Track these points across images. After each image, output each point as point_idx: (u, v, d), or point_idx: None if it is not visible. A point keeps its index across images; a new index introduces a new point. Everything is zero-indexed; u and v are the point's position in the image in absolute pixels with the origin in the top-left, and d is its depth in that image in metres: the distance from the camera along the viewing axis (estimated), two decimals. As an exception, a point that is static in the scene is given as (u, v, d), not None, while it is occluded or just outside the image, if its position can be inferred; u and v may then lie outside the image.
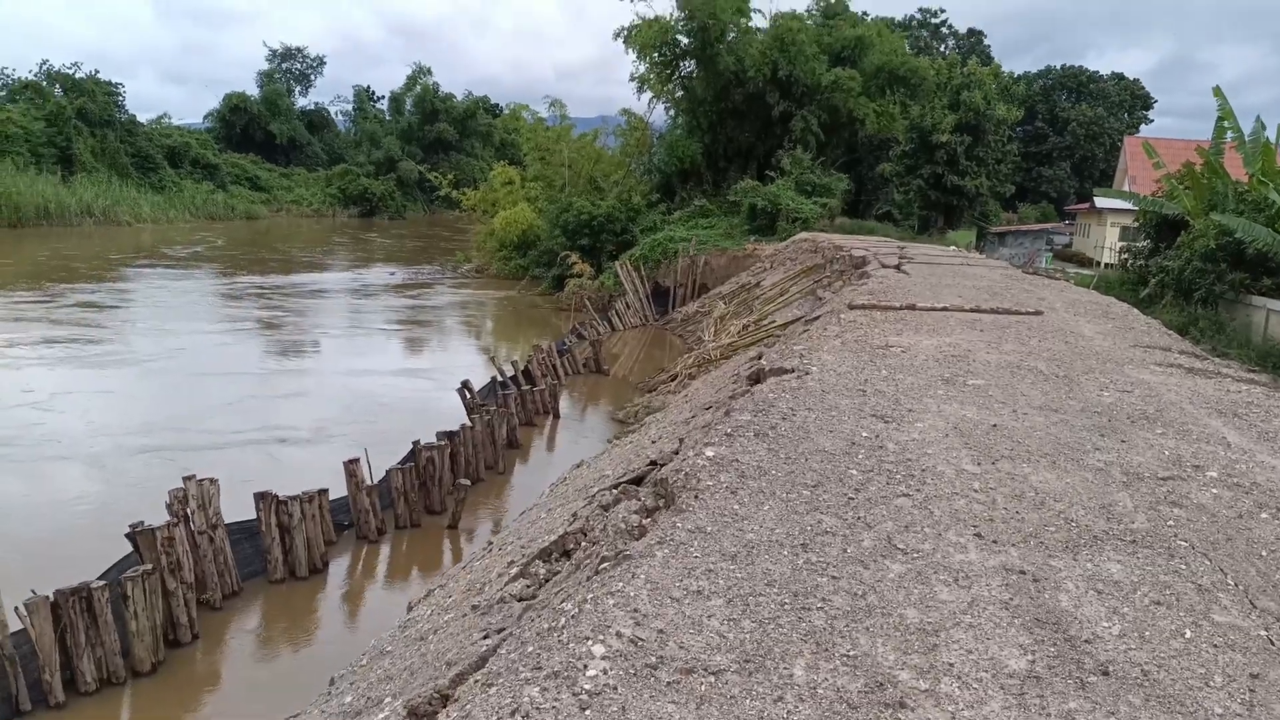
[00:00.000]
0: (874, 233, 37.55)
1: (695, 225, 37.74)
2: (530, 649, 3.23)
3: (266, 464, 15.23)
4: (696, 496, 4.61)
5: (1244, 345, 17.76)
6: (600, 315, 31.64)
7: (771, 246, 33.51)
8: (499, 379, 19.96)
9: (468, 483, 13.45)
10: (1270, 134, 21.10)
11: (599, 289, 34.87)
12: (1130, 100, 78.28)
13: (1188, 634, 3.47)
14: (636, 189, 42.24)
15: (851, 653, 3.14)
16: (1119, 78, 79.26)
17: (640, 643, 3.08)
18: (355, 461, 12.78)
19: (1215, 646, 3.39)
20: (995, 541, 4.28)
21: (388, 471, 13.29)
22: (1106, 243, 44.39)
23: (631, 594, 3.46)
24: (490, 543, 8.13)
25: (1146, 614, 3.62)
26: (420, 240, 68.71)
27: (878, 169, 47.89)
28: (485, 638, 4.51)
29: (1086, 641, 3.35)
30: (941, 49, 67.24)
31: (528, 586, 5.46)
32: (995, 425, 6.43)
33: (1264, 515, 4.92)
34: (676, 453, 6.73)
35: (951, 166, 42.99)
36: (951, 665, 3.10)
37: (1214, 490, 5.29)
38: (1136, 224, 26.24)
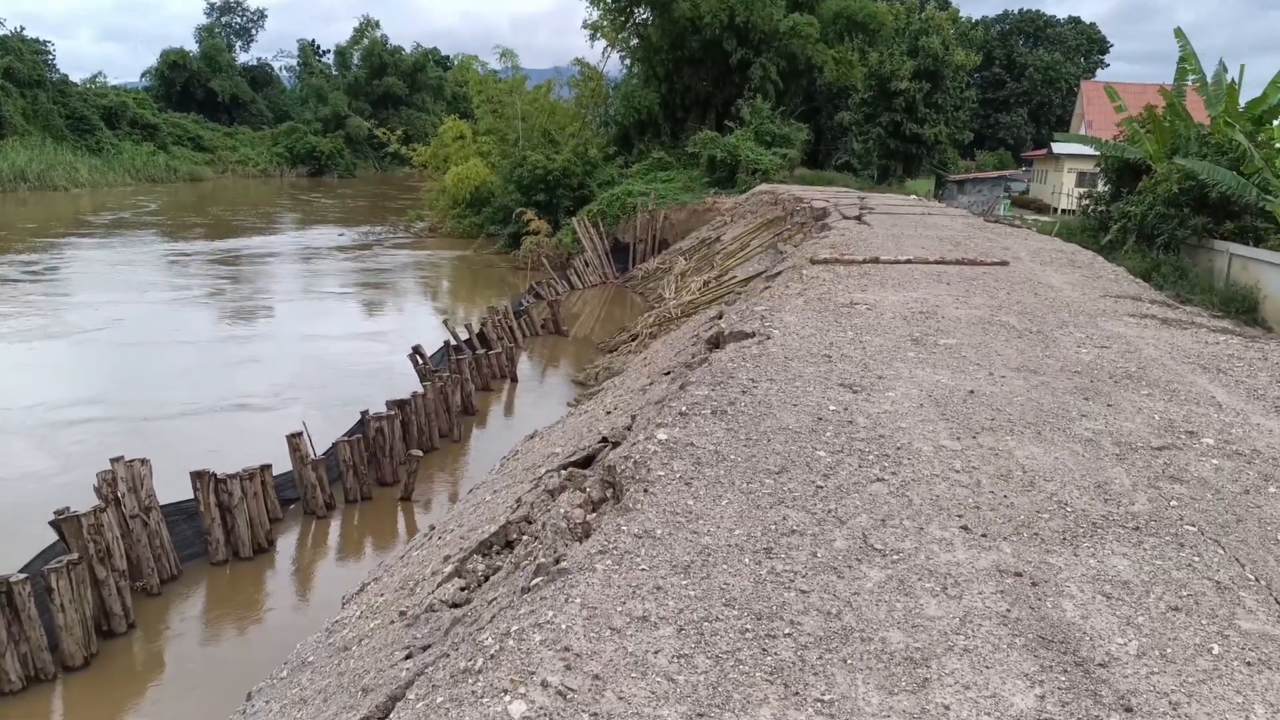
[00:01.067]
0: (834, 183, 36.98)
1: (654, 178, 36.89)
2: (440, 699, 2.65)
3: (224, 433, 14.71)
4: (646, 490, 4.04)
5: (1206, 290, 17.51)
6: (558, 274, 30.86)
7: (731, 199, 32.87)
8: (453, 343, 19.24)
9: (419, 454, 12.85)
10: (1232, 76, 20.71)
11: (556, 246, 34.01)
12: (1087, 44, 78.04)
13: (1215, 649, 2.98)
14: (593, 142, 41.14)
15: (827, 696, 2.60)
16: (1075, 21, 78.92)
17: (570, 695, 2.51)
18: (298, 435, 12.14)
19: (1249, 665, 2.90)
20: (985, 535, 3.75)
21: (334, 444, 12.67)
22: (1064, 189, 44.33)
23: (564, 626, 2.88)
24: (431, 528, 7.55)
25: (1164, 624, 3.12)
26: (371, 199, 66.92)
27: (836, 118, 47.17)
28: (407, 658, 3.95)
29: (1101, 665, 2.84)
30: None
31: (461, 589, 4.89)
32: (972, 391, 5.92)
33: (1272, 489, 4.46)
34: (629, 429, 6.17)
35: (910, 114, 42.45)
36: (947, 708, 2.57)
37: (1214, 461, 4.82)
38: (1097, 169, 25.90)
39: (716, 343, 7.90)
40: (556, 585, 3.20)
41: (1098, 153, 26.86)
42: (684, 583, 3.20)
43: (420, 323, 24.53)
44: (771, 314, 8.63)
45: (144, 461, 10.13)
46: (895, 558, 3.48)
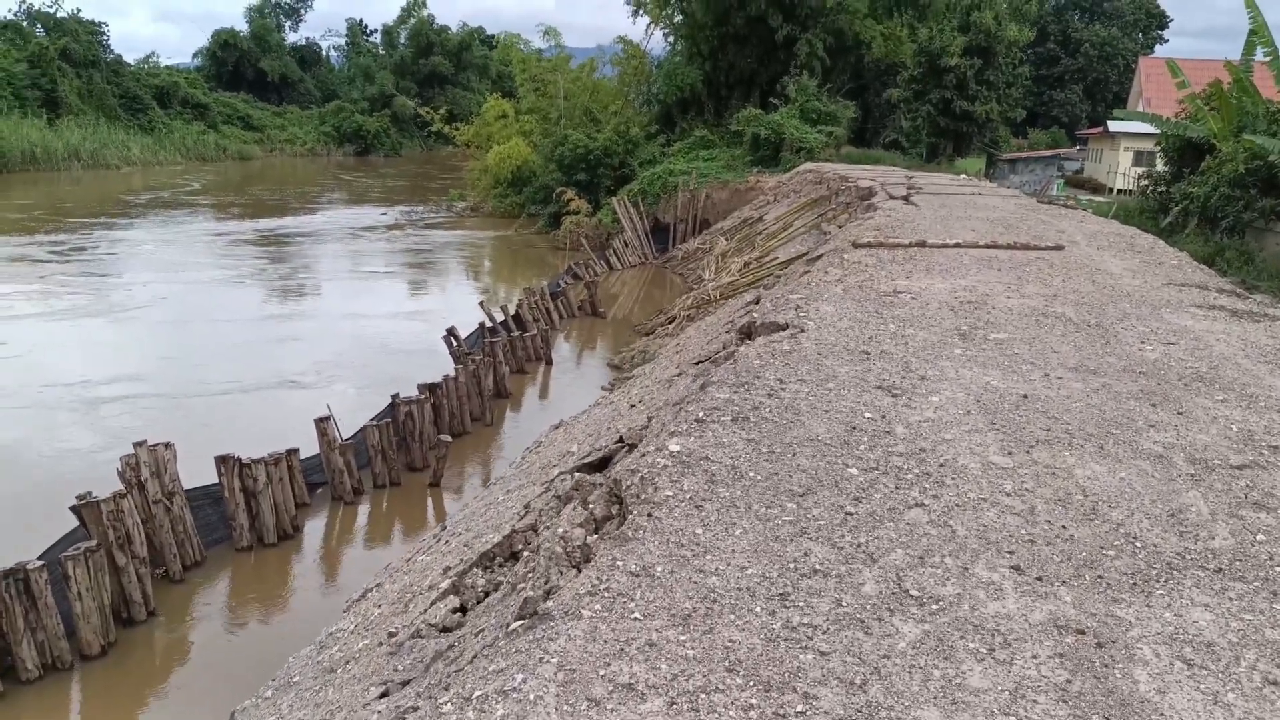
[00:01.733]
0: (880, 162, 35.95)
1: (695, 157, 36.22)
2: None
3: (266, 411, 14.84)
4: (650, 514, 3.57)
5: (1275, 277, 16.56)
6: (597, 254, 30.44)
7: (775, 178, 32.13)
8: (488, 324, 18.94)
9: (449, 439, 12.56)
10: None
11: (597, 226, 33.64)
12: (1145, 20, 75.17)
13: (1327, 742, 2.44)
14: (634, 120, 40.48)
15: (844, 802, 2.12)
16: (1135, -5, 76.07)
17: (528, 794, 2.07)
18: (326, 419, 11.94)
19: (1372, 764, 2.37)
20: (1040, 578, 3.22)
21: (363, 428, 12.45)
22: (1120, 168, 42.81)
23: (534, 695, 2.43)
24: (442, 528, 7.17)
25: (1261, 704, 2.58)
26: (415, 178, 66.99)
27: (885, 95, 45.90)
28: (381, 696, 3.55)
29: (1186, 763, 2.32)
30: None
31: (454, 610, 4.48)
32: (1026, 396, 5.34)
33: (1376, 520, 3.85)
34: (646, 429, 5.70)
35: (961, 91, 41.04)
36: (994, 825, 2.08)
37: (1305, 483, 4.22)
38: (1157, 148, 24.74)
39: (748, 333, 7.38)
40: (535, 635, 2.76)
41: (1157, 131, 25.60)
42: (682, 638, 2.73)
43: (460, 302, 24.23)
44: (807, 303, 8.08)
45: (168, 445, 10.01)
46: (934, 608, 2.97)
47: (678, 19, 44.62)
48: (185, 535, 10.02)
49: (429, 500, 12.53)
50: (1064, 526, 3.65)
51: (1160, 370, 6.20)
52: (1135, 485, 4.08)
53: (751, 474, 3.92)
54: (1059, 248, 12.09)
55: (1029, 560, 3.34)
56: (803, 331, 6.79)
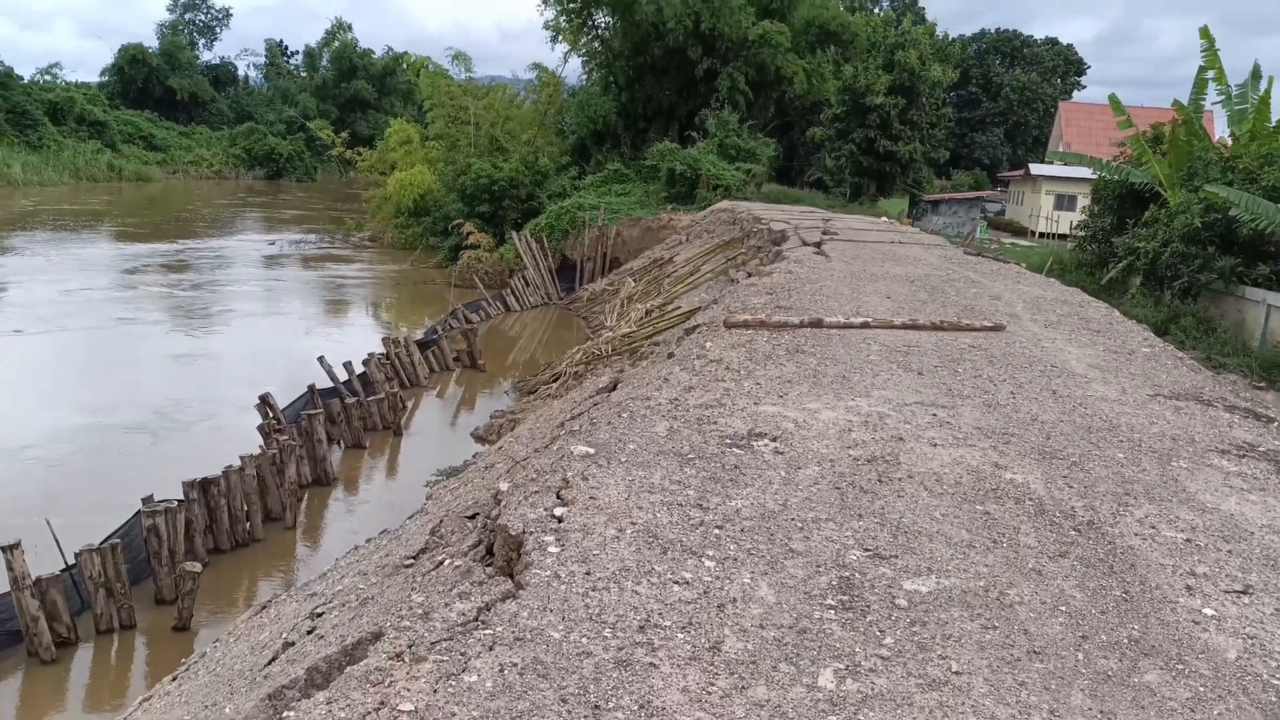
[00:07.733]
0: (801, 201, 33.99)
1: (608, 191, 33.95)
2: None
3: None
4: None
5: (1241, 352, 14.29)
6: (495, 292, 27.67)
7: (689, 216, 29.94)
8: (326, 384, 15.68)
9: (197, 567, 9.42)
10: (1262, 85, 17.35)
11: (498, 262, 31.01)
12: (1064, 66, 75.88)
13: None
14: (544, 150, 37.95)
15: None
16: (1052, 42, 76.85)
17: None
18: (15, 547, 8.72)
19: None
20: None
21: (78, 554, 9.25)
22: (1042, 211, 41.95)
23: None
24: None
25: None
26: (324, 204, 63.22)
27: (809, 133, 44.25)
28: None
29: None
30: (876, 9, 63.00)
31: None
32: None
33: None
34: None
35: (885, 131, 39.48)
36: None
37: None
38: (1093, 193, 22.85)
39: (492, 524, 4.35)
40: None
41: (1084, 175, 23.71)
42: None
43: (335, 347, 20.15)
44: (588, 473, 4.60)
45: None
46: None
47: (595, 45, 42.45)
48: None
49: (177, 650, 9.26)
50: None
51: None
52: None
53: None
54: (999, 328, 9.52)
55: None
56: (520, 592, 3.42)
